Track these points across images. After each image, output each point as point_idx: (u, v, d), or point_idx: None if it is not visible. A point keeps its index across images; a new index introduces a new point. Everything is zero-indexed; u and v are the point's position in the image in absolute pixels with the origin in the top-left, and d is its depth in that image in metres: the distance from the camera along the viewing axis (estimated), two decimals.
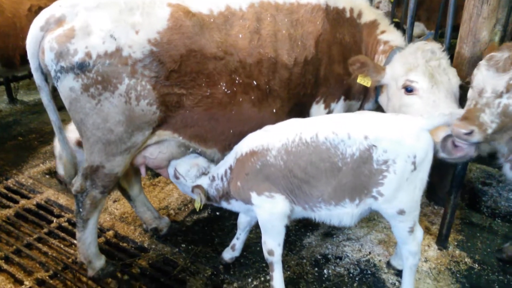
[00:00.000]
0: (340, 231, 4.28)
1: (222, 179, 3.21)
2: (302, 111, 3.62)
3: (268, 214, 2.98)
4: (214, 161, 3.54)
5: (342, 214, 2.93)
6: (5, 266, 3.74)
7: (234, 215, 4.50)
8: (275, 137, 2.94)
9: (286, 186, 2.91)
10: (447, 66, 3.19)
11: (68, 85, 2.82)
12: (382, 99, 3.62)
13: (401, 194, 2.76)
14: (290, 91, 3.41)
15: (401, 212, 2.84)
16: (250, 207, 3.13)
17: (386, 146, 2.66)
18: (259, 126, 3.29)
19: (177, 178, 3.38)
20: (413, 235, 2.99)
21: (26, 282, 3.53)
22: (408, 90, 3.18)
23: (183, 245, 4.07)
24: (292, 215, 3.07)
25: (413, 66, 3.17)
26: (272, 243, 3.08)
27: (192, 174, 3.34)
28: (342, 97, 3.72)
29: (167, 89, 3.00)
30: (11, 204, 4.64)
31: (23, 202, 4.68)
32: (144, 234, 4.19)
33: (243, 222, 3.62)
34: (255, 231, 4.14)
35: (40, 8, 5.90)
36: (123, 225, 4.34)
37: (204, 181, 3.33)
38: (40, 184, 5.07)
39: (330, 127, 2.79)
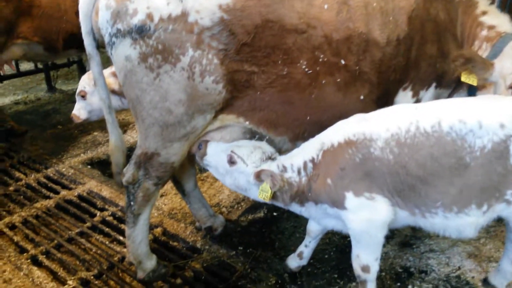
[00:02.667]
0: (420, 241, 3.78)
1: (299, 172, 2.73)
2: (387, 100, 3.16)
3: (366, 221, 2.50)
4: (281, 151, 3.13)
5: (464, 224, 2.43)
6: (46, 262, 3.50)
7: (294, 216, 4.10)
8: (381, 125, 2.46)
9: (393, 186, 2.44)
10: None
11: (124, 53, 2.51)
12: None
13: None
14: (381, 74, 2.96)
15: None
16: (333, 213, 2.65)
17: None
18: (341, 115, 2.85)
19: (232, 163, 2.82)
20: None
21: (70, 282, 3.27)
22: None
23: (240, 248, 3.69)
24: (394, 222, 2.57)
25: None
26: (368, 258, 2.61)
27: (257, 157, 2.81)
28: (433, 84, 3.24)
29: (237, 65, 2.62)
30: (51, 194, 4.44)
31: (64, 193, 4.47)
32: (196, 233, 3.85)
33: (314, 229, 3.18)
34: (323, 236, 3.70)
35: None
36: (172, 222, 4.02)
37: (271, 168, 2.81)
38: (81, 174, 4.86)
39: (455, 113, 2.32)
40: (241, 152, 2.85)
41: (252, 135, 3.06)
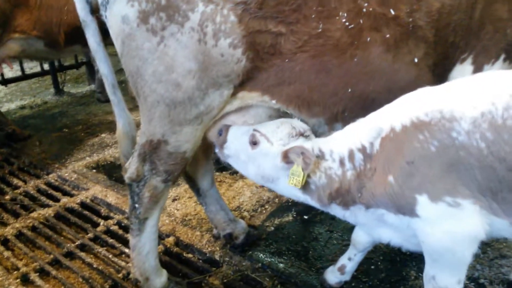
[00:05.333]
0: (486, 245, 3.14)
1: (341, 163, 2.11)
2: (444, 70, 2.56)
3: (448, 234, 1.86)
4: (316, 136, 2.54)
5: None
6: (38, 281, 2.98)
7: (329, 218, 3.51)
8: (465, 100, 1.84)
9: (486, 186, 1.80)
10: None
11: (120, 13, 2.06)
12: None
13: None
14: (438, 32, 2.37)
15: None
16: (394, 222, 2.04)
17: None
18: (389, 86, 2.32)
19: (254, 144, 2.23)
20: None
21: None
22: None
23: (267, 259, 3.11)
24: (487, 234, 1.88)
25: None
26: (449, 281, 1.97)
27: (284, 132, 2.22)
28: (502, 56, 2.61)
29: (259, 24, 2.10)
30: (50, 202, 3.96)
31: (65, 200, 3.99)
32: (214, 242, 3.29)
33: (362, 240, 2.56)
34: None
35: None
36: (186, 229, 3.48)
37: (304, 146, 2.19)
38: (85, 179, 4.38)
39: None
40: (264, 129, 2.26)
41: (280, 118, 2.51)
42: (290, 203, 3.82)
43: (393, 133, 1.95)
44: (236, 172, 4.43)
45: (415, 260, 3.02)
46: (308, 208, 3.68)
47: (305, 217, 3.63)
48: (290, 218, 3.63)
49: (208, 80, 2.15)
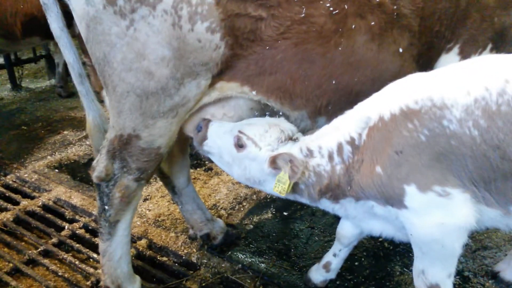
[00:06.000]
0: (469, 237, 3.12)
1: (330, 158, 2.02)
2: (429, 61, 2.51)
3: (437, 226, 1.79)
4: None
5: None
6: None
7: (309, 214, 3.42)
8: (457, 86, 1.75)
9: (478, 175, 1.73)
10: None
11: None
12: None
13: None
14: (423, 21, 2.32)
15: None
16: (383, 213, 1.96)
17: None
18: (374, 77, 2.26)
19: (240, 146, 2.14)
20: None
21: None
22: None
23: (247, 260, 2.97)
24: (477, 224, 1.82)
25: None
26: (439, 274, 1.90)
27: (273, 137, 2.12)
28: (489, 46, 2.58)
29: (238, 7, 1.97)
30: (9, 206, 3.65)
31: (25, 203, 3.69)
32: (191, 243, 3.12)
33: (348, 234, 2.46)
34: None
35: None
36: (160, 231, 3.28)
37: (292, 151, 2.09)
38: (47, 179, 4.08)
39: None
40: (251, 132, 2.15)
41: (261, 111, 2.38)
42: (268, 200, 3.69)
43: (381, 122, 1.86)
44: (211, 169, 4.26)
45: (399, 254, 2.97)
46: (287, 204, 3.57)
47: (285, 213, 3.52)
48: (270, 215, 3.51)
49: (183, 69, 1.98)
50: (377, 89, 2.07)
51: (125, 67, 1.92)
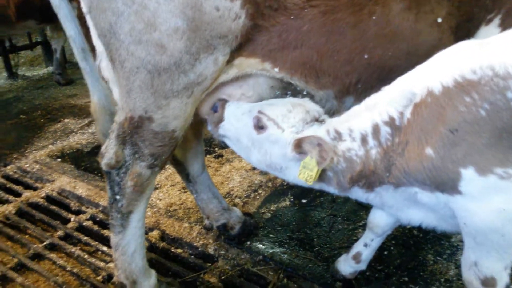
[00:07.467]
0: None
1: (364, 142, 1.82)
2: (464, 36, 2.31)
3: (498, 212, 1.60)
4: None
5: None
6: None
7: (329, 201, 3.25)
8: None
9: None
10: None
11: None
12: None
13: None
14: None
15: None
16: (429, 201, 1.78)
17: None
18: (410, 50, 2.07)
19: (261, 128, 1.96)
20: None
21: None
22: None
23: (268, 250, 2.81)
24: None
25: None
26: (495, 266, 1.72)
27: (297, 118, 1.93)
28: None
29: None
30: (10, 197, 3.48)
31: (27, 194, 3.53)
32: (206, 234, 2.96)
33: (381, 223, 2.28)
34: None
35: None
36: (172, 221, 3.12)
37: (318, 134, 1.90)
38: (49, 169, 3.91)
39: None
40: (273, 112, 1.96)
41: (283, 90, 2.19)
42: (285, 186, 3.53)
43: (430, 97, 1.66)
44: (221, 155, 4.09)
45: (430, 242, 2.81)
46: (306, 191, 3.41)
47: (304, 201, 3.35)
48: (287, 203, 3.34)
49: (199, 42, 1.79)
50: (413, 64, 1.88)
51: (134, 39, 1.72)
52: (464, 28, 2.25)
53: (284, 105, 2.00)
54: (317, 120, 1.99)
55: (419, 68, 1.79)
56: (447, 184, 1.66)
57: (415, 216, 1.95)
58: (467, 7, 2.20)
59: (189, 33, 1.75)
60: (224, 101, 2.10)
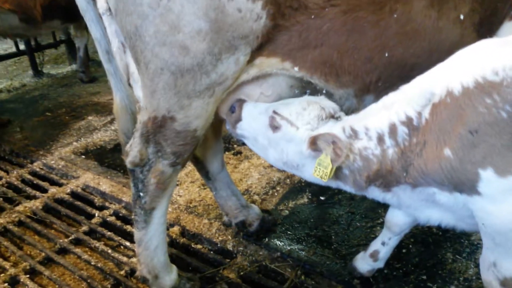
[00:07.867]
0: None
1: (380, 141, 1.83)
2: (490, 29, 2.29)
3: None
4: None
5: None
6: (30, 284, 2.68)
7: (347, 198, 3.27)
8: None
9: None
10: None
11: None
12: None
13: None
14: None
15: None
16: (447, 201, 1.78)
17: None
18: (431, 49, 2.08)
19: (276, 127, 1.98)
20: None
21: None
22: None
23: (286, 247, 2.86)
24: None
25: None
26: None
27: (311, 115, 1.95)
28: None
29: None
30: (37, 193, 3.62)
31: (53, 190, 3.66)
32: (225, 230, 3.02)
33: (399, 222, 2.30)
34: None
35: None
36: (192, 217, 3.19)
37: (334, 131, 1.91)
38: (74, 166, 4.04)
39: None
40: (287, 111, 1.99)
41: (302, 89, 2.21)
42: (303, 184, 3.55)
43: (450, 98, 1.66)
44: (240, 152, 4.14)
45: (449, 240, 2.80)
46: (324, 189, 3.42)
47: (322, 198, 3.38)
48: (305, 200, 3.37)
49: (221, 43, 1.83)
50: (434, 62, 1.86)
51: (158, 41, 1.78)
52: (487, 24, 2.23)
53: (299, 103, 2.02)
54: (333, 117, 2.00)
55: (438, 67, 1.79)
56: (465, 185, 1.66)
57: (433, 216, 1.95)
58: (490, 2, 2.19)
59: (211, 35, 1.80)
60: (241, 101, 2.14)
